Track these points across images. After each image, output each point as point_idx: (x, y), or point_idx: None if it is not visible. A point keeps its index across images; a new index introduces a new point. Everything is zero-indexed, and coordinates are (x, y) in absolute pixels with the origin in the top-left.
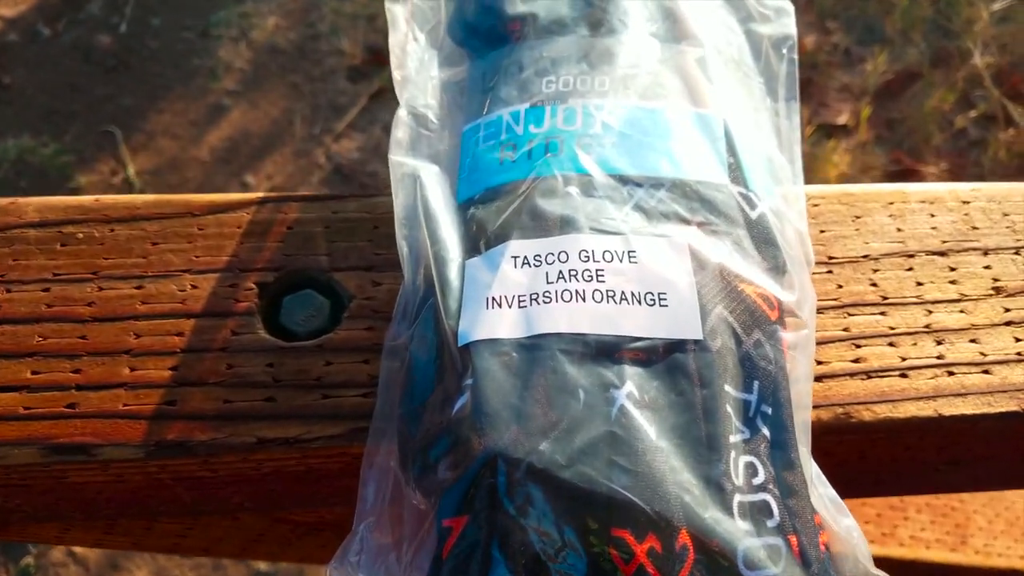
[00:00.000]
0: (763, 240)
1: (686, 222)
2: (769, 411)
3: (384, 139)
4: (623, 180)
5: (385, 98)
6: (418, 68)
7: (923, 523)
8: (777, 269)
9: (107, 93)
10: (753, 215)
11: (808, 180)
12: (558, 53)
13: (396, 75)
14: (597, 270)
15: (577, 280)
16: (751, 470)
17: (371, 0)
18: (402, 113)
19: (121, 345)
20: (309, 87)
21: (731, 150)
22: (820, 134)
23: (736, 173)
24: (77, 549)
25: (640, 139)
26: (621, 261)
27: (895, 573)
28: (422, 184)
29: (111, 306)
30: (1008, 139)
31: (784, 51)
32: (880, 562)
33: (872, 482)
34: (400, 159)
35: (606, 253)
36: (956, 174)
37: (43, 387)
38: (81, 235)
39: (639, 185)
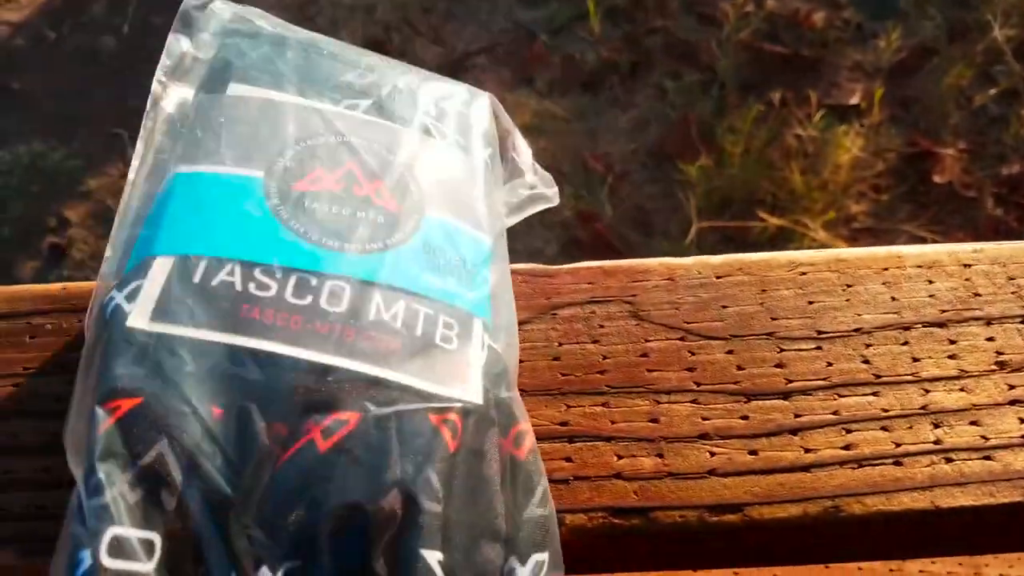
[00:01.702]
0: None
1: None
2: None
3: None
4: None
5: None
6: None
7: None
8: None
9: (113, 95)
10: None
11: (820, 167)
12: None
13: None
14: None
15: None
16: None
17: None
18: None
19: None
20: None
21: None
22: (831, 117)
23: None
24: None
25: None
26: None
27: None
28: None
29: None
30: None
31: None
32: None
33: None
34: None
35: None
36: (976, 154)
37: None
38: (50, 326)
39: None
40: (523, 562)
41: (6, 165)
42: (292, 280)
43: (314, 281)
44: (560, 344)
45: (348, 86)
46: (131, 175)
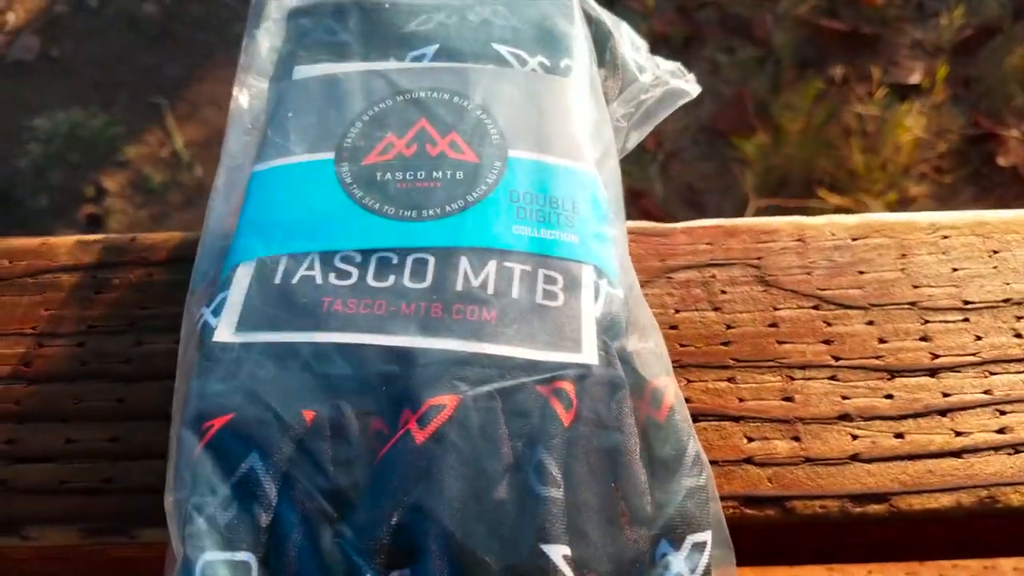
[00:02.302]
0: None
1: None
2: None
3: None
4: None
5: None
6: None
7: None
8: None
9: (153, 63)
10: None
11: (880, 147)
12: None
13: None
14: None
15: None
16: None
17: None
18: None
19: (163, 408)
20: None
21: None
22: (891, 96)
23: None
24: None
25: None
26: None
27: None
28: None
29: (151, 363)
30: None
31: None
32: None
33: (1009, 550)
34: None
35: None
36: None
37: (78, 457)
38: (117, 280)
39: None
40: (677, 546)
41: (45, 133)
42: (372, 262)
43: (395, 259)
44: (677, 311)
45: (412, 36)
46: (214, 187)
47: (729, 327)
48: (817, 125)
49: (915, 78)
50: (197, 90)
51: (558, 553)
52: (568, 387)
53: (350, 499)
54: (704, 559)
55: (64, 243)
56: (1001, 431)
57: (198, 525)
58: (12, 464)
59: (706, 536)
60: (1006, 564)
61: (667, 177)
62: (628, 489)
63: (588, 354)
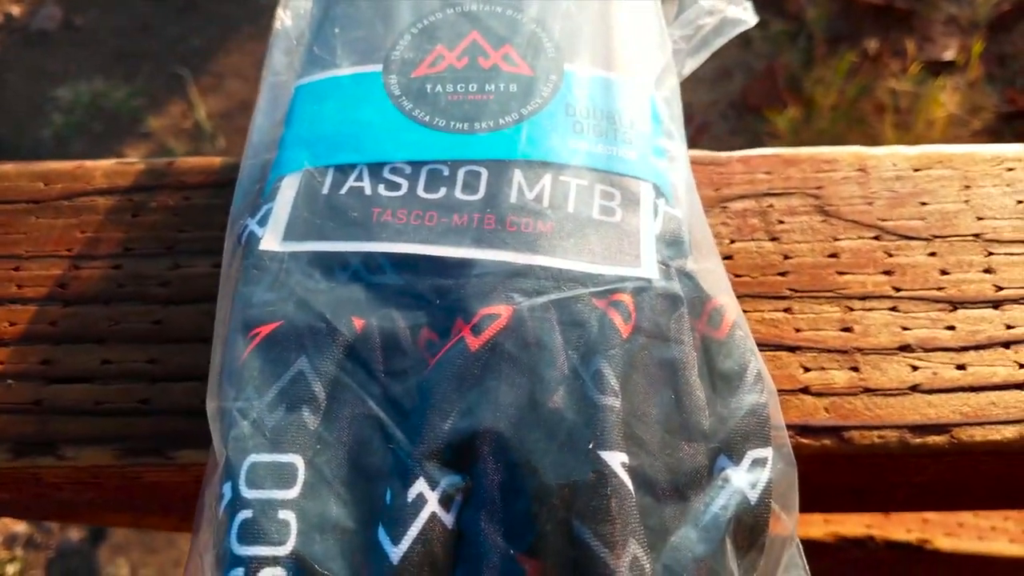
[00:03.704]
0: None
1: None
2: None
3: None
4: None
5: None
6: None
7: None
8: None
9: (177, 33)
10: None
11: (913, 123)
12: None
13: None
14: None
15: None
16: None
17: None
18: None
19: (200, 331)
20: None
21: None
22: (925, 72)
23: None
24: None
25: None
26: None
27: None
28: None
29: (189, 287)
30: None
31: None
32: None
33: None
34: None
35: None
36: None
37: (115, 378)
38: (154, 204)
39: None
40: (737, 460)
41: (67, 103)
42: (423, 174)
43: (446, 171)
44: (732, 242)
45: None
46: (257, 104)
47: (787, 257)
48: (849, 100)
49: (950, 54)
50: (221, 62)
51: (616, 460)
52: (627, 300)
53: (402, 405)
54: (765, 475)
55: (100, 167)
56: None
57: (243, 428)
58: (48, 384)
59: (767, 452)
60: None
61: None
62: (687, 402)
63: (647, 268)
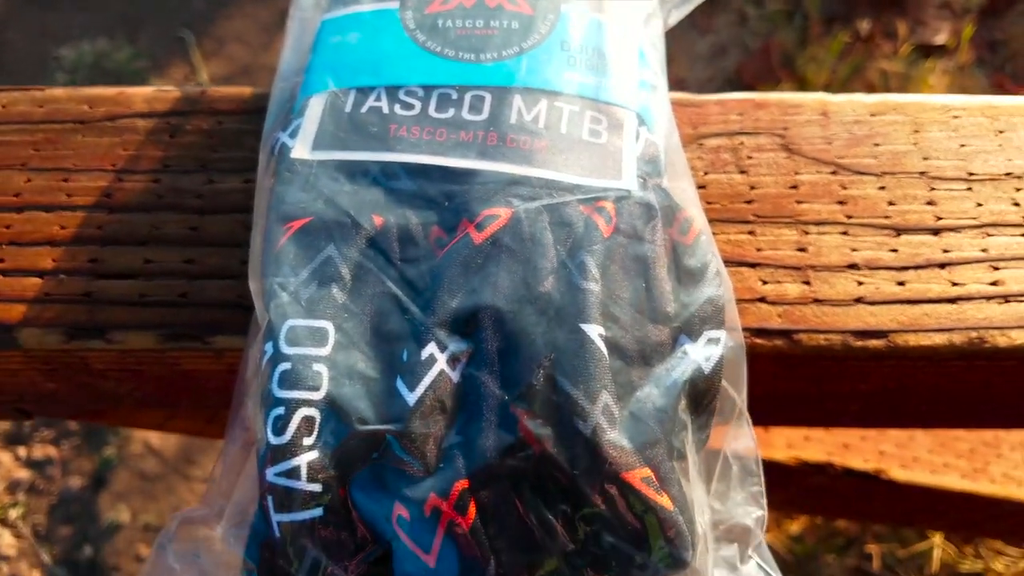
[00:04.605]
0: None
1: None
2: None
3: None
4: None
5: None
6: None
7: (1016, 461)
8: None
9: None
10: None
11: None
12: None
13: None
14: None
15: None
16: None
17: None
18: None
19: (233, 237)
20: None
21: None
22: (916, 54)
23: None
24: (155, 442)
25: None
26: None
27: (983, 510)
28: None
29: (222, 199)
30: None
31: None
32: (968, 498)
33: (992, 413)
34: None
35: None
36: None
37: (157, 275)
38: (189, 127)
39: None
40: (695, 338)
41: (70, 63)
42: (434, 97)
43: (455, 95)
44: (706, 173)
45: None
46: (285, 38)
47: (753, 188)
48: (841, 79)
49: (941, 38)
50: (223, 26)
51: (594, 331)
52: (609, 207)
53: (416, 285)
54: (718, 351)
55: (140, 93)
56: (994, 284)
57: (282, 298)
58: (96, 279)
59: (720, 334)
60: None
61: None
62: (655, 291)
63: (628, 181)
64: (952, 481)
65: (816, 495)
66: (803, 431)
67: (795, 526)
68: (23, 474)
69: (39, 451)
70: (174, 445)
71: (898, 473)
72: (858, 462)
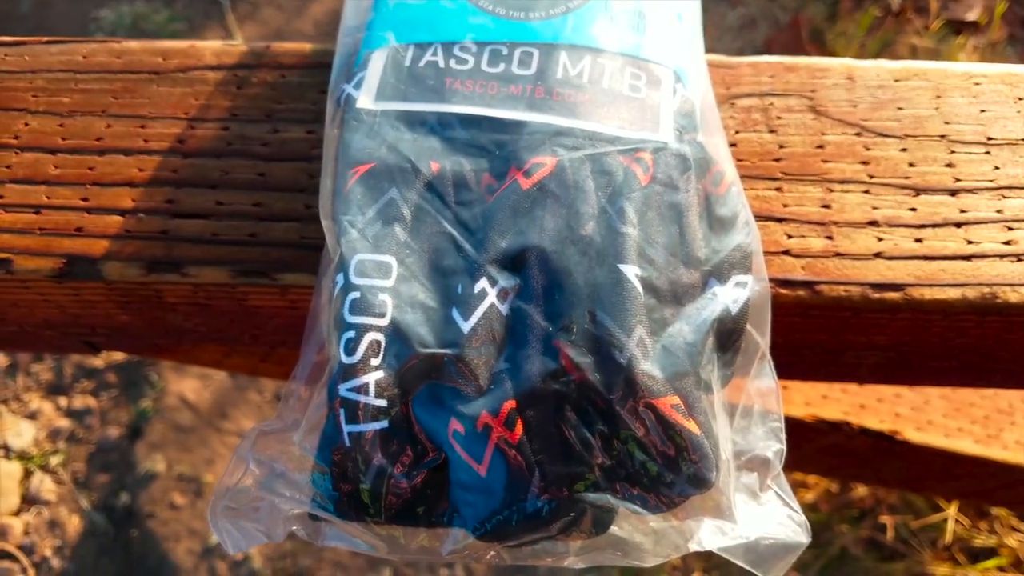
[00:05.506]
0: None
1: None
2: None
3: None
4: None
5: None
6: None
7: None
8: None
9: None
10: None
11: None
12: None
13: None
14: None
15: None
16: None
17: None
18: None
19: (297, 183)
20: None
21: None
22: (947, 30)
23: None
24: (190, 396)
25: None
26: None
27: (995, 476)
28: None
29: (286, 148)
30: None
31: None
32: (981, 463)
33: (1004, 373)
34: None
35: None
36: None
37: (227, 216)
38: (255, 79)
39: None
40: (724, 282)
41: (109, 24)
42: (486, 53)
43: (505, 51)
44: (737, 132)
45: None
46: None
47: (781, 147)
48: (870, 55)
49: (973, 14)
50: None
51: (631, 271)
52: (647, 157)
53: (469, 226)
54: (745, 294)
55: (209, 47)
56: (1008, 243)
57: (351, 235)
58: (172, 219)
59: (747, 279)
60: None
61: None
62: (688, 236)
63: (665, 134)
64: (966, 445)
65: (831, 454)
66: (821, 390)
67: (810, 495)
68: (63, 423)
69: (79, 401)
70: (208, 399)
71: (913, 435)
72: (874, 422)
